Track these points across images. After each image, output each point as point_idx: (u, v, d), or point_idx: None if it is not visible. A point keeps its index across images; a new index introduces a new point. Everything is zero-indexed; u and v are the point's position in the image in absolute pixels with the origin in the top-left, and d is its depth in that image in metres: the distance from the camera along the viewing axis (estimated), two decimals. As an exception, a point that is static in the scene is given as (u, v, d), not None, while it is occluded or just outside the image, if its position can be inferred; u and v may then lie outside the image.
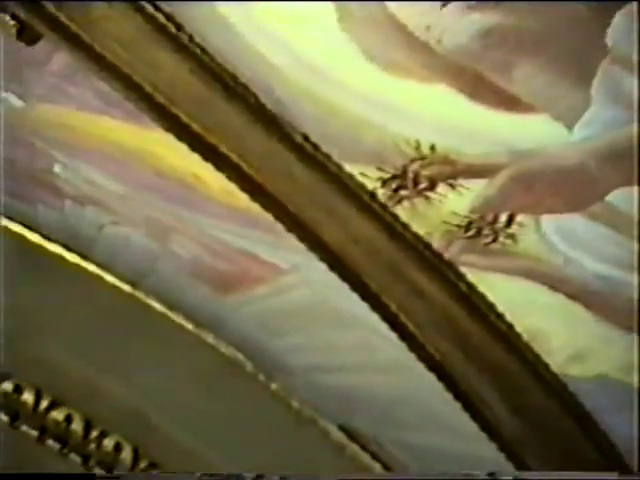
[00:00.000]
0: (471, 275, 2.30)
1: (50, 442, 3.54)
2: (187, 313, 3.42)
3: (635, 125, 2.01)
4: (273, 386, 3.48)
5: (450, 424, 2.88)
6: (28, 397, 3.51)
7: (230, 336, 3.38)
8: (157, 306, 3.46)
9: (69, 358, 3.49)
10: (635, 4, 2.19)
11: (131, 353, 3.51)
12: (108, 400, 3.52)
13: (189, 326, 3.47)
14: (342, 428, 3.48)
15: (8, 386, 3.50)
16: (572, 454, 2.67)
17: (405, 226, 2.20)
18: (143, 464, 3.54)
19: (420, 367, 2.65)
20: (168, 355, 3.52)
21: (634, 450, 2.56)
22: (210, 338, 3.46)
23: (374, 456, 3.49)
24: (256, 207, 2.36)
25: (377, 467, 3.51)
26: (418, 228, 2.21)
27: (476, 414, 2.68)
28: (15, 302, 3.47)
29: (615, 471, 2.50)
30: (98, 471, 3.54)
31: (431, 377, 2.67)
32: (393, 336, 2.58)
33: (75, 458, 3.55)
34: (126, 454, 3.52)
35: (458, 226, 2.18)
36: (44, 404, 3.52)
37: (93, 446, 3.53)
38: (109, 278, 3.44)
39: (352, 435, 3.48)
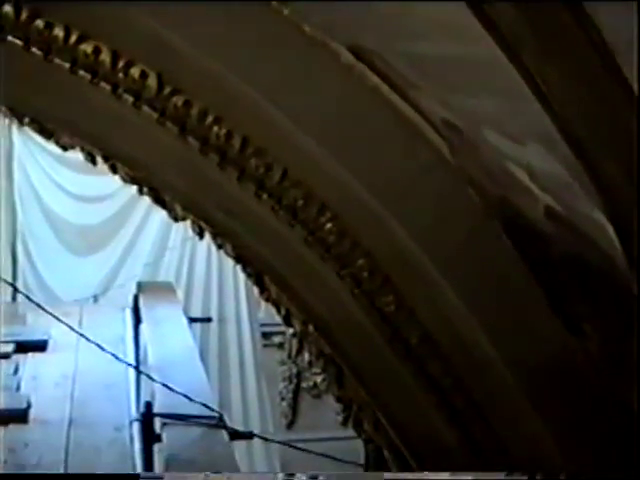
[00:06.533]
0: None
1: (81, 73, 3.82)
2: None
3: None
4: (285, 11, 3.76)
5: (458, 30, 3.14)
6: (59, 32, 3.74)
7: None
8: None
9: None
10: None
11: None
12: (133, 32, 3.78)
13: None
14: (351, 49, 3.79)
15: (40, 23, 3.72)
16: None
17: None
18: (167, 89, 3.84)
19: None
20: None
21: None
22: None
23: (380, 73, 3.82)
24: None
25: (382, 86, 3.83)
26: None
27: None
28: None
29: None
30: (126, 96, 3.83)
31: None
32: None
33: (105, 86, 3.84)
34: (151, 81, 3.82)
35: None
36: (73, 38, 3.76)
37: (121, 75, 3.81)
38: None
39: (359, 54, 3.78)
